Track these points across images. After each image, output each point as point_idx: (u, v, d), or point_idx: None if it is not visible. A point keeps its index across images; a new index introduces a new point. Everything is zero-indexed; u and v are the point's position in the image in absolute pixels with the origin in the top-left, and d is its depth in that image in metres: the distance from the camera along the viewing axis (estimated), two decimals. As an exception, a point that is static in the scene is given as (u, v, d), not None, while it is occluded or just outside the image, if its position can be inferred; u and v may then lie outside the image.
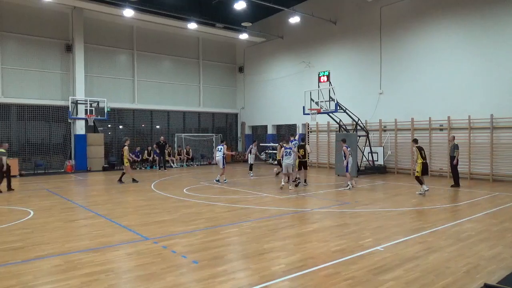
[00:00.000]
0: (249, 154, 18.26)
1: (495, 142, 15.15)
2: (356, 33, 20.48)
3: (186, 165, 23.59)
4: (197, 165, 24.37)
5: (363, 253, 5.89)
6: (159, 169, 21.46)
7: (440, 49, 16.93)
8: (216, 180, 15.21)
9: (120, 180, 15.22)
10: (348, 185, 13.02)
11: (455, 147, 13.41)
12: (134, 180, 15.39)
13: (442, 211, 9.19)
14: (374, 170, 18.00)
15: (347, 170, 13.29)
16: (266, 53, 26.40)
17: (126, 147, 15.14)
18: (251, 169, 18.04)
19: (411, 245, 6.29)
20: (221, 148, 15.48)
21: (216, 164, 16.34)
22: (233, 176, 18.15)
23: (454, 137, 14.03)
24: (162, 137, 22.66)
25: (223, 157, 15.15)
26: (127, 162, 15.14)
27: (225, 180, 15.33)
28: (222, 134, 27.09)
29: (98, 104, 21.26)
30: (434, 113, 16.97)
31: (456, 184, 13.48)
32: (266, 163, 24.28)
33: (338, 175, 17.19)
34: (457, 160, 13.27)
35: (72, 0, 19.59)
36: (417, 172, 11.68)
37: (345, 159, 13.29)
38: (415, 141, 12.53)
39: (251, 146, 18.68)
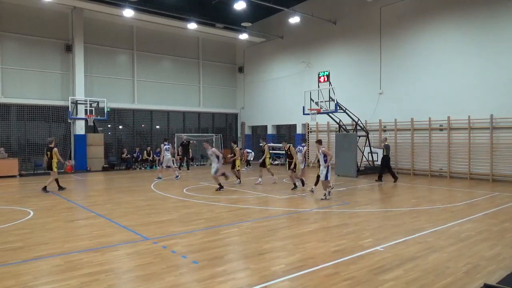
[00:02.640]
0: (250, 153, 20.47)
1: (495, 142, 15.15)
2: (356, 33, 20.48)
3: (186, 165, 23.55)
4: (197, 165, 24.37)
5: (363, 253, 5.89)
6: (186, 169, 21.22)
7: (440, 49, 16.93)
8: (158, 179, 15.99)
9: (60, 187, 13.06)
10: (325, 194, 10.88)
11: (386, 147, 15.17)
12: (44, 189, 12.72)
13: (442, 211, 9.19)
14: (374, 170, 17.97)
15: (327, 177, 10.85)
16: (266, 53, 26.40)
17: (56, 149, 13.01)
18: (248, 164, 20.55)
19: (411, 245, 6.29)
20: (169, 148, 16.30)
21: (162, 164, 16.66)
22: (232, 176, 18.14)
23: (386, 138, 15.93)
24: (184, 137, 22.58)
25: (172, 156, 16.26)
26: (56, 167, 12.96)
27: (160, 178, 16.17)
28: (222, 134, 27.11)
29: (98, 104, 21.25)
30: (434, 113, 16.97)
31: (380, 179, 15.21)
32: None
33: (338, 175, 17.20)
34: (388, 157, 14.97)
35: (72, 0, 19.59)
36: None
37: (326, 162, 10.84)
38: (319, 142, 11.52)
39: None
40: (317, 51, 22.63)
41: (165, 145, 16.48)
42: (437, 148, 17.05)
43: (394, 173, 15.33)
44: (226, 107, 28.43)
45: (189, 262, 5.56)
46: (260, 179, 14.64)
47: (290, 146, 13.45)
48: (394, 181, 14.85)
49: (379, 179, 15.23)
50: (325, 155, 10.85)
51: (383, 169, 15.41)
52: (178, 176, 16.33)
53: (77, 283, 4.76)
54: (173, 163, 16.50)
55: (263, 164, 14.76)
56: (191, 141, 21.99)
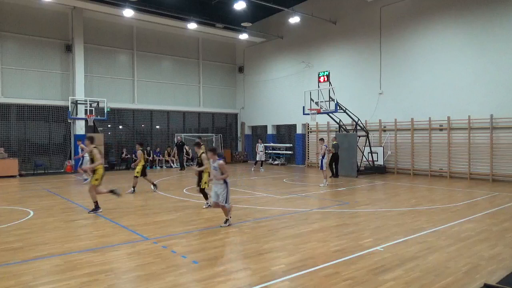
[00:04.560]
0: (258, 152, 20.35)
1: (495, 142, 15.15)
2: (356, 33, 20.48)
3: (186, 165, 23.57)
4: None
5: (363, 253, 5.89)
6: (179, 168, 21.49)
7: (440, 49, 16.93)
8: (85, 180, 14.88)
9: None
10: (228, 220, 7.86)
11: (335, 146, 16.21)
12: None
13: (442, 211, 9.19)
14: (374, 170, 18.00)
15: (226, 201, 7.71)
16: (266, 53, 26.40)
17: None
18: (261, 164, 20.46)
19: (411, 245, 6.29)
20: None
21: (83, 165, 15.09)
22: (232, 176, 18.16)
23: (335, 137, 16.94)
24: (179, 137, 22.59)
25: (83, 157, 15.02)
26: None
27: (86, 179, 14.95)
28: (221, 134, 27.12)
29: (98, 104, 21.26)
30: (434, 113, 16.97)
31: (336, 175, 16.43)
32: (266, 163, 24.28)
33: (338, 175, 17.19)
34: (327, 156, 14.87)
35: (72, 0, 19.59)
36: (205, 184, 9.64)
37: (222, 176, 7.67)
38: (213, 151, 8.05)
39: (257, 144, 20.58)
40: (317, 51, 22.63)
41: (83, 144, 15.41)
42: (437, 148, 17.05)
43: (337, 171, 16.55)
44: (226, 107, 28.43)
45: (189, 262, 5.56)
46: (132, 189, 12.48)
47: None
48: (331, 176, 16.22)
49: (336, 175, 16.47)
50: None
51: (335, 166, 16.48)
52: (87, 179, 14.87)
53: (77, 283, 4.76)
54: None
55: (143, 173, 12.58)
56: (184, 143, 22.33)
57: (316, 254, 5.91)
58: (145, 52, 24.34)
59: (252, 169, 20.58)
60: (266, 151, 24.83)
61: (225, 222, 7.83)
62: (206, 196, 9.80)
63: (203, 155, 9.73)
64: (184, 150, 22.29)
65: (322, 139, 15.02)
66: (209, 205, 9.44)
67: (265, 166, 22.19)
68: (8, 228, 7.72)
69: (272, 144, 25.27)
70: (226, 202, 7.69)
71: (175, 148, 22.36)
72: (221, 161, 7.74)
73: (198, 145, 10.24)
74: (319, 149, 14.53)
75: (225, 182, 7.70)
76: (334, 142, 16.59)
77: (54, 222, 8.34)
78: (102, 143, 21.47)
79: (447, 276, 4.91)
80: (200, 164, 9.83)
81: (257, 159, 20.45)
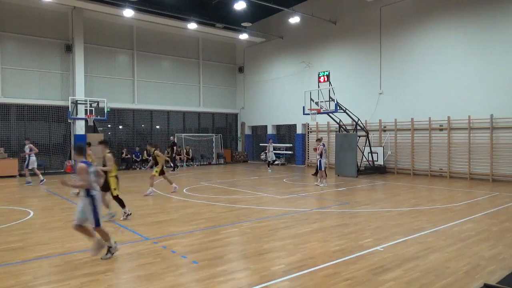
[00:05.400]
0: (268, 153, 20.36)
1: (495, 142, 15.15)
2: (356, 33, 20.48)
3: (186, 165, 23.60)
4: (197, 165, 24.38)
5: (363, 253, 5.89)
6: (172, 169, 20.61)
7: (440, 49, 16.93)
8: (28, 184, 14.70)
9: None
10: (110, 249, 5.86)
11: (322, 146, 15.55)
12: None
13: (442, 211, 9.19)
14: (374, 170, 18.00)
15: (96, 222, 5.74)
16: (266, 53, 26.40)
17: None
18: (269, 165, 20.17)
19: (411, 245, 6.29)
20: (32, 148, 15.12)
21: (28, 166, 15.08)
22: (233, 176, 18.17)
23: (322, 138, 16.79)
24: (171, 138, 22.54)
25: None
26: None
27: (29, 182, 14.85)
28: (221, 134, 27.11)
29: (98, 104, 21.24)
30: (434, 113, 16.97)
31: (316, 174, 16.01)
32: (265, 163, 24.26)
33: (338, 175, 17.21)
34: (325, 156, 14.65)
35: (72, 0, 19.59)
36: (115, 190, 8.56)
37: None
38: (106, 143, 8.65)
39: (267, 145, 20.59)
40: (317, 51, 22.63)
41: (27, 144, 15.28)
42: (437, 148, 17.04)
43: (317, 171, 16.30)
44: (226, 107, 28.42)
45: (189, 262, 5.56)
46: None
47: (155, 150, 12.37)
48: (313, 174, 16.86)
49: (316, 174, 16.19)
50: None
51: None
52: (30, 182, 14.96)
53: (77, 283, 4.76)
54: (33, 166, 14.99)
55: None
56: (176, 144, 22.04)
57: (316, 254, 5.91)
58: (145, 52, 24.33)
59: (270, 171, 19.82)
60: (266, 151, 24.82)
61: (106, 253, 5.74)
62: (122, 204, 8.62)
63: (108, 154, 8.38)
64: (175, 150, 21.84)
65: (319, 139, 14.97)
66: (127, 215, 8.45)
67: (265, 167, 22.20)
68: (8, 228, 7.72)
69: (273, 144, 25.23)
70: (96, 224, 5.64)
71: (169, 149, 22.09)
72: (81, 164, 5.62)
73: (104, 143, 9.04)
74: (316, 148, 14.47)
75: (89, 195, 5.63)
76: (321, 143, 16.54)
77: (54, 222, 8.34)
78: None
79: (447, 276, 4.91)
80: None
81: (270, 159, 20.36)
